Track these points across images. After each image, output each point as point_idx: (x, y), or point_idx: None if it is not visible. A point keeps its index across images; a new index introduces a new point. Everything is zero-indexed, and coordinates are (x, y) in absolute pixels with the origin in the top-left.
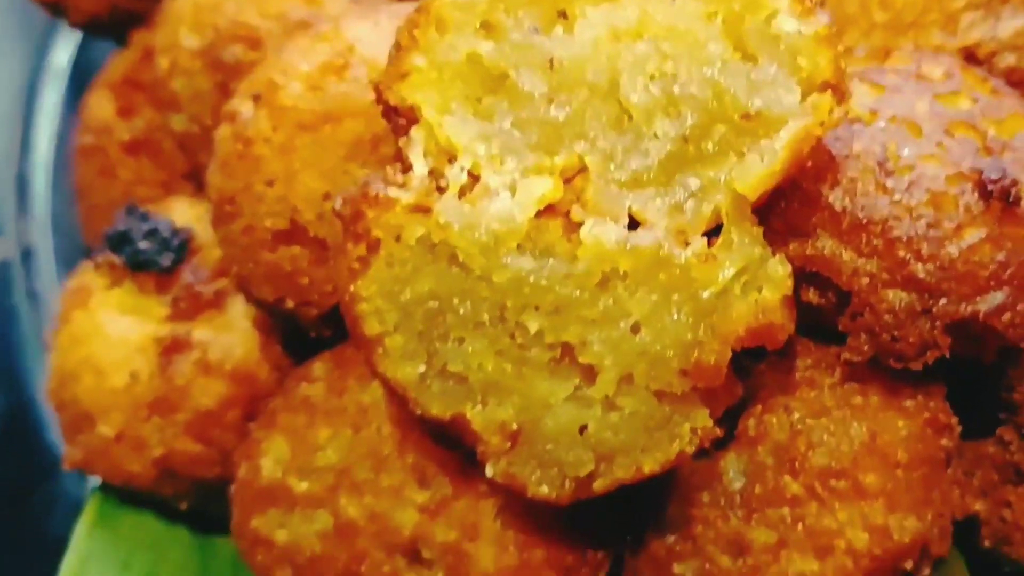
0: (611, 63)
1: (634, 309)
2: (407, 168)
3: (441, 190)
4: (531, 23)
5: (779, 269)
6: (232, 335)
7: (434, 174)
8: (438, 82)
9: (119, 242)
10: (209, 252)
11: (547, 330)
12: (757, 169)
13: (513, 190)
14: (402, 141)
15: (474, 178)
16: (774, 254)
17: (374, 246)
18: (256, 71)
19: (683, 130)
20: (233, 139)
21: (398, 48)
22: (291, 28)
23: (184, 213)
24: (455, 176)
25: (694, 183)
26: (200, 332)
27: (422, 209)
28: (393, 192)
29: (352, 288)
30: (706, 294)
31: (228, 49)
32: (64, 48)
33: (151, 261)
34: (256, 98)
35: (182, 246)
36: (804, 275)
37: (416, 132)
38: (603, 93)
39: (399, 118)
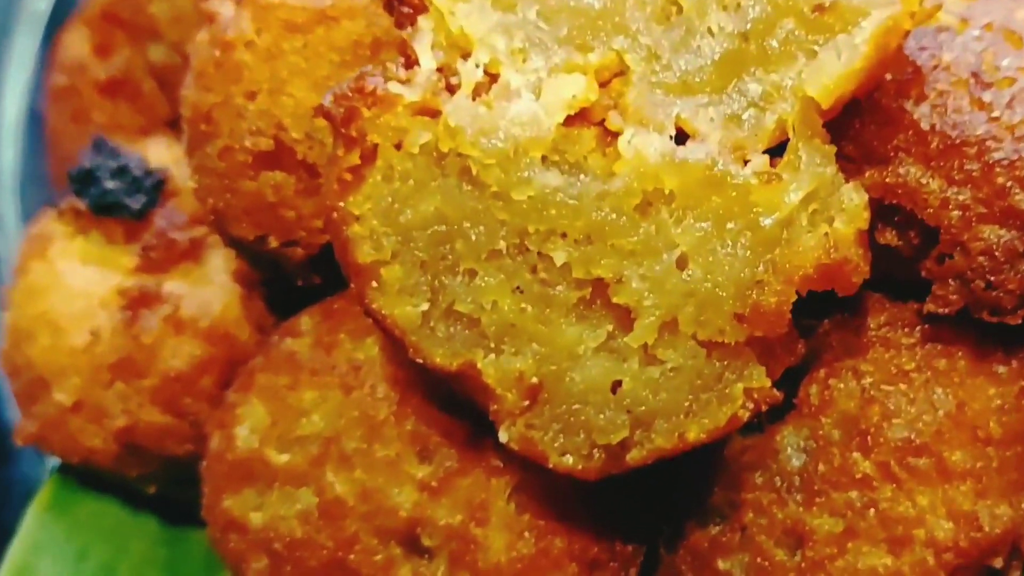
0: None
1: (680, 239)
2: (411, 64)
3: (452, 89)
4: None
5: (854, 197)
6: (209, 289)
7: (444, 71)
8: None
9: (84, 181)
10: (187, 197)
11: (576, 263)
12: (834, 68)
13: (538, 91)
14: (406, 32)
15: (492, 77)
16: (847, 181)
17: (370, 154)
18: None
19: (742, 25)
20: (210, 44)
21: None
22: None
23: (161, 153)
24: (469, 73)
25: (755, 89)
26: (172, 284)
27: (429, 111)
28: (394, 88)
29: (342, 204)
30: (767, 222)
31: None
32: None
33: (119, 203)
34: None
35: (156, 187)
36: (881, 210)
37: (424, 21)
38: None
39: (403, 6)
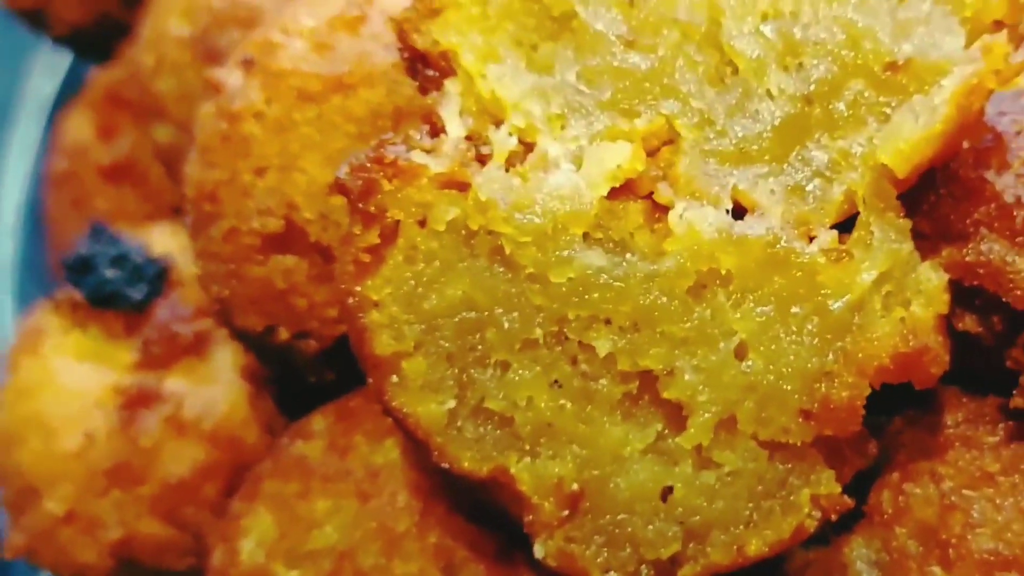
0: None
1: (739, 325)
2: (437, 132)
3: (482, 160)
4: None
5: (932, 277)
6: (214, 387)
7: (474, 139)
8: (481, 20)
9: (80, 270)
10: (192, 287)
11: (621, 353)
12: (910, 132)
13: (579, 161)
14: (431, 97)
15: (527, 146)
16: (923, 259)
17: (390, 232)
18: (252, 34)
19: (805, 87)
20: (216, 116)
21: None
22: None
23: (164, 240)
24: (501, 142)
25: (820, 157)
26: (174, 382)
27: (456, 184)
28: (418, 158)
29: (358, 289)
30: (837, 306)
31: (224, 34)
32: (47, 74)
33: (119, 294)
34: (247, 64)
35: (158, 276)
36: (959, 293)
37: (451, 85)
38: (700, 37)
39: (429, 69)
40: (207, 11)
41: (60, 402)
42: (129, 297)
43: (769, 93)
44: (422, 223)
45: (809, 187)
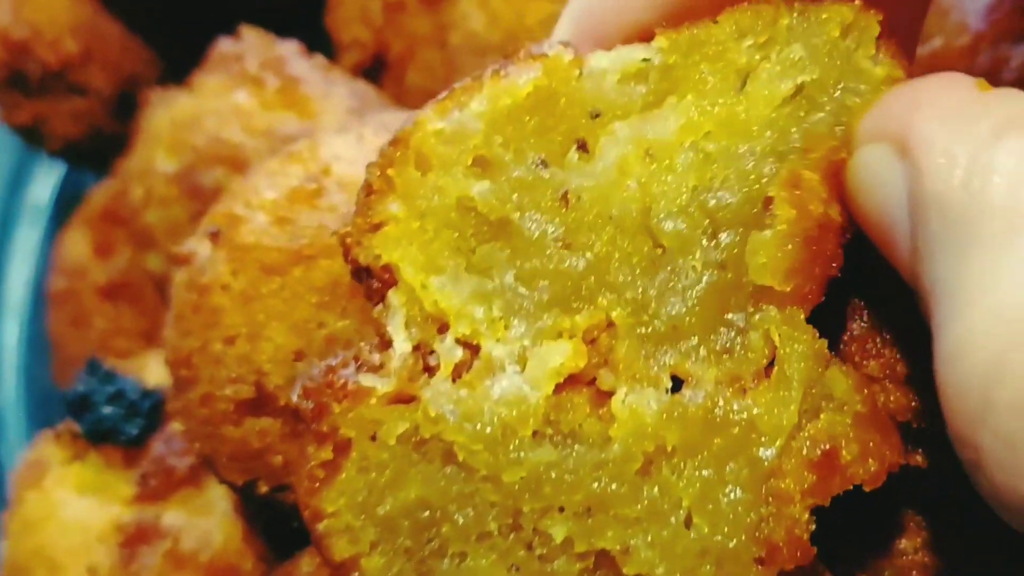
0: (644, 189)
1: (684, 494)
2: (386, 344)
3: (431, 370)
4: (536, 155)
5: (839, 379)
6: (210, 519)
7: (421, 349)
8: (420, 234)
9: (79, 407)
10: None
11: (577, 536)
12: (762, 245)
13: (523, 362)
14: (377, 310)
15: (473, 349)
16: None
17: (343, 447)
18: (219, 202)
19: (720, 254)
20: (187, 287)
21: (368, 191)
22: (279, 146)
23: (159, 370)
24: (447, 352)
25: (739, 316)
26: (171, 516)
27: (405, 399)
28: (366, 380)
29: (314, 502)
30: (768, 454)
31: (207, 172)
32: (45, 182)
33: (116, 430)
34: (214, 236)
35: (154, 410)
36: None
37: (395, 297)
38: (633, 228)
39: (373, 280)
40: (191, 148)
41: (64, 536)
42: (126, 432)
43: (694, 268)
44: (373, 438)
45: (736, 345)
